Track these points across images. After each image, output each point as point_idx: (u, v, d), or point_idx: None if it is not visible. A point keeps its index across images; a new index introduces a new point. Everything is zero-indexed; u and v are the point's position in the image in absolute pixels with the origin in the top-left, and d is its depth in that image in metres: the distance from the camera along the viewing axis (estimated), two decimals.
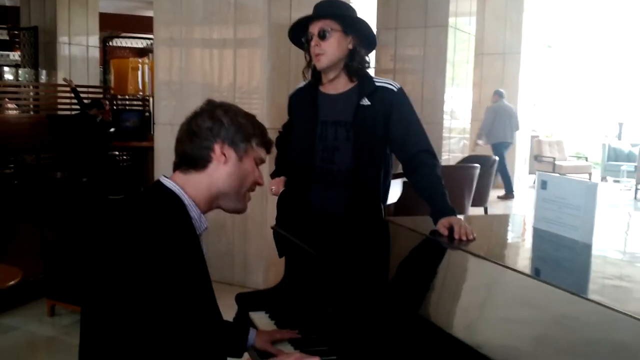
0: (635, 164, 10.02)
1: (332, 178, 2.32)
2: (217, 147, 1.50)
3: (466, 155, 7.55)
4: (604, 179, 11.80)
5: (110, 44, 10.75)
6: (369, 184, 2.33)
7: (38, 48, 8.80)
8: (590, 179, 10.84)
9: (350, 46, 2.28)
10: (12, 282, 2.84)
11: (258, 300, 2.04)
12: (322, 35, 2.23)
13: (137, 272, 1.37)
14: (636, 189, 9.80)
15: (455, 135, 7.51)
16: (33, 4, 8.83)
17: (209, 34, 4.49)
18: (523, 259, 2.11)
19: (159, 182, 1.54)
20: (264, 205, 4.25)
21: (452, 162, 7.05)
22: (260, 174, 1.60)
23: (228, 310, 1.90)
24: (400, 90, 2.33)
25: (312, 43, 2.25)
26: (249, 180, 1.57)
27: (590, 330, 1.32)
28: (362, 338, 1.59)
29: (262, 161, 1.60)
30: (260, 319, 1.92)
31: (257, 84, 4.32)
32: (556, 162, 10.95)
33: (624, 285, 1.75)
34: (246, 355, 1.81)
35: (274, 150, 1.88)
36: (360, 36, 2.31)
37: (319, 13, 2.27)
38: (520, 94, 10.16)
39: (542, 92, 16.73)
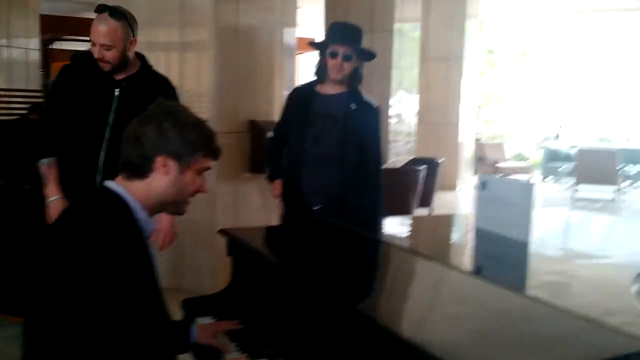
0: (574, 164, 10.41)
1: (319, 161, 2.84)
2: (159, 160, 1.50)
3: (412, 157, 7.69)
4: (544, 179, 12.22)
5: (52, 47, 10.44)
6: (347, 169, 2.82)
7: None
8: (530, 180, 11.21)
9: (357, 64, 2.88)
10: None
11: (205, 305, 2.03)
12: (347, 58, 2.82)
13: (81, 275, 1.36)
14: (575, 189, 10.19)
15: (401, 139, 7.65)
16: None
17: (155, 37, 4.42)
18: (465, 258, 2.18)
19: (103, 186, 1.54)
20: (212, 210, 4.22)
21: (399, 165, 7.17)
22: (203, 182, 1.59)
23: (177, 317, 1.89)
24: (378, 108, 2.95)
25: (338, 61, 2.81)
26: (188, 191, 1.57)
27: (526, 324, 1.39)
28: (309, 340, 1.61)
29: (207, 169, 1.59)
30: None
31: (205, 88, 4.29)
32: (497, 164, 11.27)
33: (561, 280, 1.84)
34: None
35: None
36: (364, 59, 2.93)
37: (348, 42, 2.83)
38: (464, 97, 10.42)
39: (485, 96, 17.21)
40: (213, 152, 1.58)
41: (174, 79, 4.37)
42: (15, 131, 7.22)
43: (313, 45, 3.01)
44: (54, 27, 10.68)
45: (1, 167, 7.21)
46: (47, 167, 2.62)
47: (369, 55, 2.93)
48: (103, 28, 2.48)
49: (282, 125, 3.09)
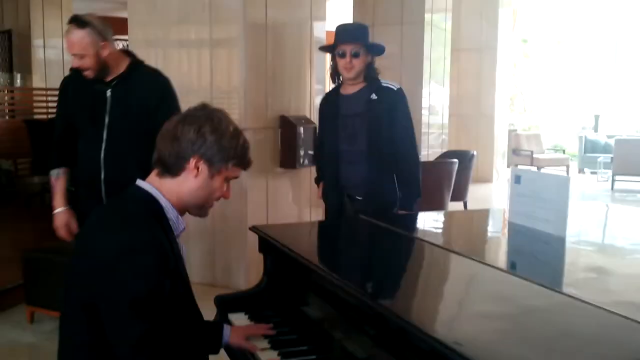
0: (612, 155, 10.16)
1: (355, 157, 3.03)
2: (192, 161, 1.52)
3: (445, 150, 7.61)
4: (581, 170, 11.95)
5: None
6: (382, 161, 3.01)
7: (12, 52, 8.65)
8: (567, 171, 10.99)
9: (369, 60, 3.02)
10: None
11: (237, 301, 2.05)
12: (355, 55, 2.95)
13: (114, 273, 1.38)
14: (613, 180, 9.95)
15: (434, 131, 7.57)
16: (5, 7, 8.69)
17: (185, 34, 4.47)
18: (499, 254, 2.14)
19: (135, 185, 1.56)
20: (244, 205, 4.25)
21: (432, 158, 7.10)
22: (229, 189, 1.63)
23: (210, 312, 1.91)
24: (400, 90, 3.07)
25: (347, 59, 2.96)
26: (215, 196, 1.60)
27: (561, 323, 1.35)
28: (341, 338, 1.60)
29: (235, 177, 1.62)
30: (240, 320, 1.93)
31: (236, 84, 4.31)
32: (534, 156, 11.05)
33: (598, 277, 1.79)
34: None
35: None
36: (375, 52, 3.07)
37: (352, 39, 2.98)
38: (497, 88, 10.25)
39: (519, 86, 16.92)
40: (244, 163, 1.62)
41: (205, 76, 4.43)
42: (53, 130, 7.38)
43: (322, 49, 3.25)
44: None
45: (40, 165, 7.39)
46: (55, 178, 2.75)
47: (378, 49, 3.06)
48: (71, 38, 2.55)
49: (320, 132, 3.34)
